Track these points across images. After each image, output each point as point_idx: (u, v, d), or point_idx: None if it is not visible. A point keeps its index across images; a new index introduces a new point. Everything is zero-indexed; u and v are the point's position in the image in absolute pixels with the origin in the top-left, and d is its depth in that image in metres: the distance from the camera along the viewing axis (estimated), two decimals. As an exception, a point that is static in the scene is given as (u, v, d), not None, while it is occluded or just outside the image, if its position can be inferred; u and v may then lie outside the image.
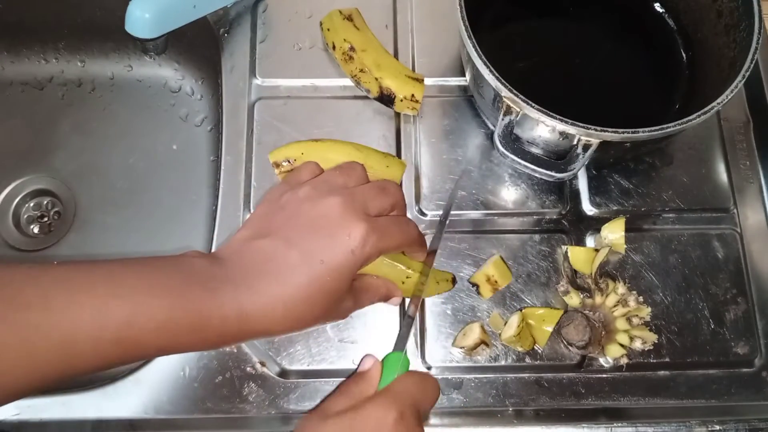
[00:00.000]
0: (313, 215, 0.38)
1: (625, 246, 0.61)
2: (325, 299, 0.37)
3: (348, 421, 0.39)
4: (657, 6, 0.69)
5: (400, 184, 0.63)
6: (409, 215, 0.62)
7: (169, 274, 0.34)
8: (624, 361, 0.57)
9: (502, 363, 0.58)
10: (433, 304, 0.59)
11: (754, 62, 0.54)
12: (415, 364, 0.58)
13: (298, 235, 0.37)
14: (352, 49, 0.64)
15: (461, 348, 0.57)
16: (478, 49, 0.54)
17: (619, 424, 0.56)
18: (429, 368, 0.58)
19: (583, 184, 0.64)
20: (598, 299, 0.58)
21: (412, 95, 0.62)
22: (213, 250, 0.60)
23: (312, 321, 0.39)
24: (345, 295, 0.40)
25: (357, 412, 0.39)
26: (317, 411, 0.42)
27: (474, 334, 0.57)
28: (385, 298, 0.49)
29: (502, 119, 0.55)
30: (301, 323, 0.38)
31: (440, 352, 0.58)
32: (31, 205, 0.75)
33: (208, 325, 0.34)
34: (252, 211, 0.62)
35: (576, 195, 0.64)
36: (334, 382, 0.57)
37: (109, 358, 0.33)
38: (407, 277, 0.53)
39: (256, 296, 0.35)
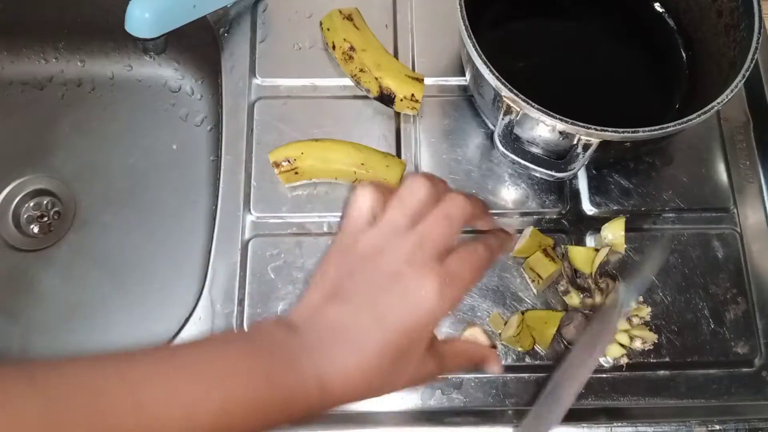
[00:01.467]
0: (383, 272, 0.35)
1: (625, 246, 0.61)
2: (402, 363, 0.35)
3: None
4: (657, 6, 0.69)
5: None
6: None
7: (254, 353, 0.33)
8: (624, 360, 0.57)
9: (502, 363, 0.58)
10: (433, 303, 0.59)
11: (754, 62, 0.54)
12: (415, 364, 0.58)
13: (369, 297, 0.35)
14: (352, 48, 0.64)
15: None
16: (478, 49, 0.54)
17: (619, 424, 0.56)
18: (429, 368, 0.58)
19: (583, 184, 0.64)
20: (599, 299, 0.58)
21: (412, 95, 0.62)
22: (211, 261, 0.60)
23: (392, 386, 0.36)
24: (425, 359, 0.36)
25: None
26: None
27: (478, 339, 0.57)
28: (480, 363, 0.43)
29: (502, 119, 0.55)
30: (382, 389, 0.36)
31: (440, 352, 0.58)
32: (31, 205, 0.75)
33: (294, 401, 0.33)
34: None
35: (576, 195, 0.64)
36: (334, 382, 0.57)
37: None
38: None
39: (333, 367, 0.34)
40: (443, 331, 0.58)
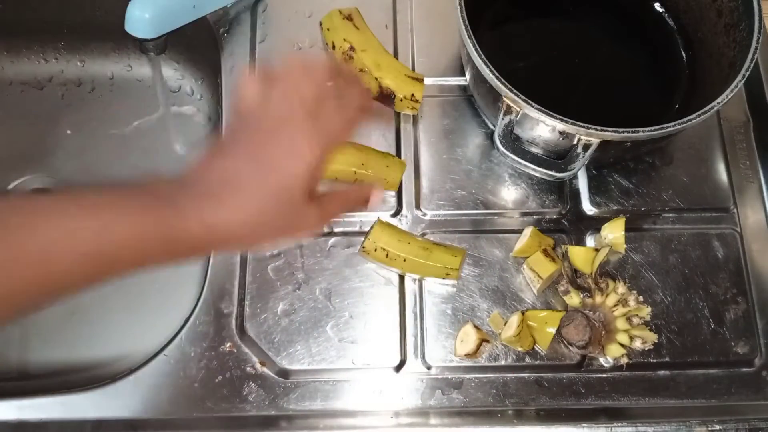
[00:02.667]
0: (263, 131, 0.40)
1: (625, 246, 0.61)
2: (280, 206, 0.39)
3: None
4: (657, 6, 0.69)
5: (400, 184, 0.63)
6: (408, 215, 0.62)
7: (135, 194, 0.37)
8: (624, 360, 0.57)
9: (502, 363, 0.58)
10: (432, 304, 0.59)
11: (754, 62, 0.54)
12: (415, 365, 0.58)
13: (251, 151, 0.39)
14: (351, 48, 0.64)
15: (464, 355, 0.57)
16: (478, 49, 0.54)
17: (619, 424, 0.56)
18: (429, 368, 0.58)
19: (583, 184, 0.64)
20: (598, 299, 0.58)
21: (412, 95, 0.62)
22: (211, 261, 0.60)
23: (274, 230, 0.40)
24: (305, 205, 0.40)
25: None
26: None
27: (471, 336, 0.57)
28: (361, 203, 0.46)
29: (502, 119, 0.55)
30: (264, 231, 0.40)
31: (440, 352, 0.58)
32: (31, 205, 0.75)
33: (175, 238, 0.37)
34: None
35: (576, 194, 0.64)
36: (333, 382, 0.57)
37: (87, 273, 0.37)
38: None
39: (217, 210, 0.37)
40: (443, 331, 0.58)
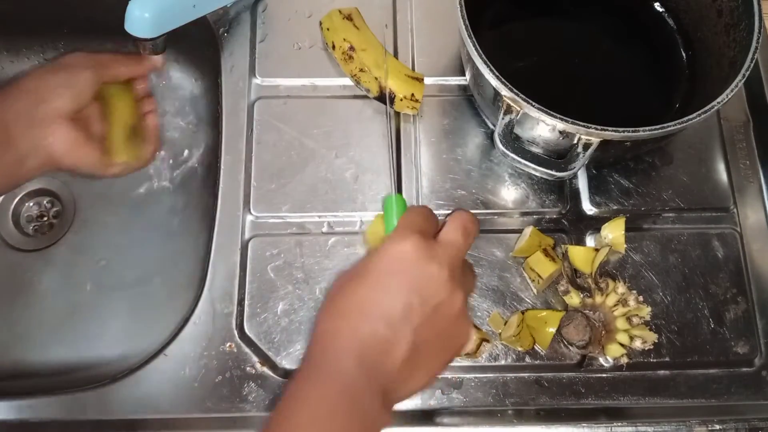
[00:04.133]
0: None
1: (625, 245, 0.61)
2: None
3: (364, 262, 0.40)
4: (657, 5, 0.69)
5: (400, 185, 0.63)
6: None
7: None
8: (624, 360, 0.57)
9: (502, 362, 0.58)
10: (433, 303, 0.59)
11: (754, 62, 0.54)
12: (415, 364, 0.58)
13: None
14: (351, 48, 0.64)
15: (464, 355, 0.57)
16: (479, 49, 0.54)
17: (619, 424, 0.56)
18: (429, 368, 0.58)
19: (583, 184, 0.64)
20: (598, 299, 0.58)
21: (412, 95, 0.62)
22: (211, 261, 0.61)
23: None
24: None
25: (371, 255, 0.40)
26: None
27: (471, 336, 0.57)
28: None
29: (503, 118, 0.55)
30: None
31: (440, 352, 0.58)
32: (31, 204, 0.75)
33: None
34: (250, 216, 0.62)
35: (576, 194, 0.64)
36: (334, 382, 0.57)
37: None
38: None
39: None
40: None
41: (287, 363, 0.57)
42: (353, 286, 0.40)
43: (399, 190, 0.63)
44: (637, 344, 0.57)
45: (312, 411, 0.37)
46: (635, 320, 0.58)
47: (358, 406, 0.37)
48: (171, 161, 0.76)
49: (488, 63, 0.54)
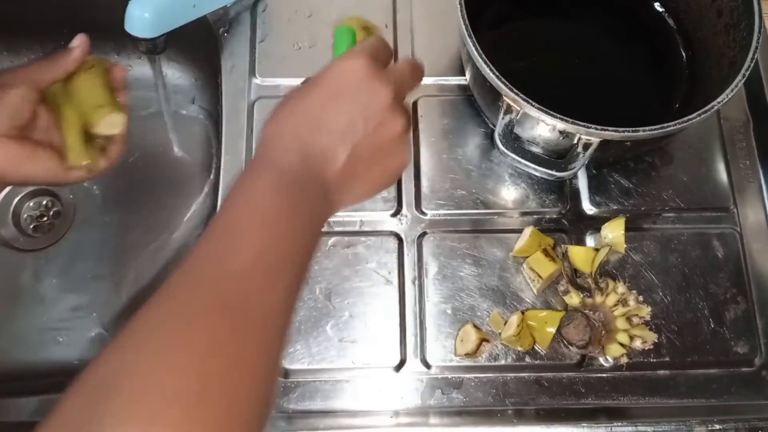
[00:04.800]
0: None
1: (625, 245, 0.61)
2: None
3: (314, 76, 0.42)
4: (657, 5, 0.69)
5: (400, 183, 0.63)
6: (408, 215, 0.62)
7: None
8: (624, 360, 0.57)
9: (502, 362, 0.58)
10: (432, 303, 0.59)
11: (754, 62, 0.54)
12: (415, 364, 0.58)
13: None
14: None
15: (464, 355, 0.57)
16: (479, 48, 0.54)
17: (619, 424, 0.56)
18: (429, 368, 0.58)
19: (583, 184, 0.64)
20: (598, 299, 0.58)
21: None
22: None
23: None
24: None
25: (318, 75, 0.42)
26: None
27: (471, 336, 0.57)
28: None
29: (503, 118, 0.55)
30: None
31: (440, 352, 0.58)
32: (31, 204, 0.75)
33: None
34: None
35: (576, 194, 0.64)
36: (333, 382, 0.57)
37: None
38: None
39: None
40: (443, 331, 0.58)
41: (287, 363, 0.57)
42: (301, 96, 0.41)
43: (399, 189, 0.63)
44: (637, 344, 0.57)
45: (261, 195, 0.38)
46: (635, 320, 0.58)
47: (304, 193, 0.39)
48: (171, 161, 0.76)
49: (488, 63, 0.54)
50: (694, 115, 0.52)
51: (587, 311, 0.57)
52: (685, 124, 0.52)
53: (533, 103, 0.52)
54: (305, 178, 0.39)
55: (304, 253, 0.39)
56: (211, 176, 0.75)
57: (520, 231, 0.61)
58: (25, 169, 0.54)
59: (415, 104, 0.66)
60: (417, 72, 0.44)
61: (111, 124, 0.59)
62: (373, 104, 0.40)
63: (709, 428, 0.56)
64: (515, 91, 0.53)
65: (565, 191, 0.64)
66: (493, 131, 0.63)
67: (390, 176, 0.44)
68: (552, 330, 0.57)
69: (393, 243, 0.61)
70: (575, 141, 0.54)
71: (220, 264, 0.35)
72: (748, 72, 0.54)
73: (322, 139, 0.40)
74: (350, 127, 0.40)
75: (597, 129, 0.52)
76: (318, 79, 0.42)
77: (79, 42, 0.58)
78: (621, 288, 0.58)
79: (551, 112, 0.52)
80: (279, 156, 0.40)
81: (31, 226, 0.75)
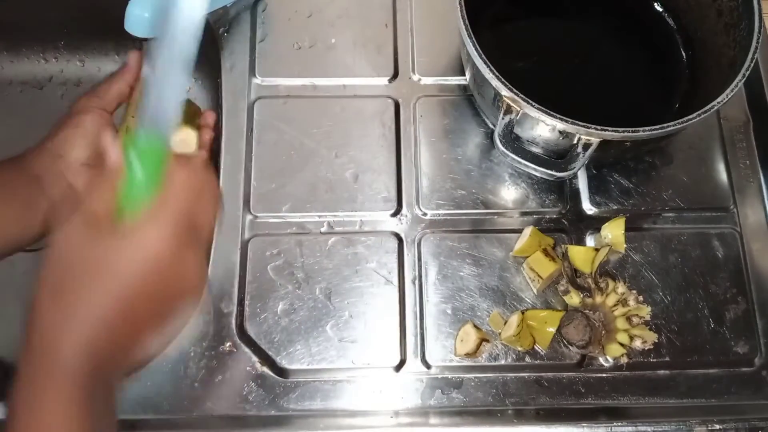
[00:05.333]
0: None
1: (625, 245, 0.61)
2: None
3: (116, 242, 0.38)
4: (657, 5, 0.69)
5: (399, 183, 0.63)
6: (408, 215, 0.62)
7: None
8: (624, 360, 0.57)
9: (502, 362, 0.58)
10: (432, 303, 0.59)
11: (754, 62, 0.54)
12: (415, 364, 0.58)
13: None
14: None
15: (464, 355, 0.57)
16: (479, 49, 0.54)
17: (619, 424, 0.56)
18: (429, 368, 0.58)
19: (583, 184, 0.64)
20: (598, 299, 0.58)
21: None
22: (211, 261, 0.60)
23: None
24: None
25: (127, 233, 0.38)
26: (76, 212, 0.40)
27: (471, 336, 0.57)
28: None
29: (503, 118, 0.55)
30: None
31: (440, 352, 0.58)
32: (31, 204, 0.75)
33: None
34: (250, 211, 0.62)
35: (576, 194, 0.64)
36: (333, 382, 0.57)
37: None
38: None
39: None
40: (443, 331, 0.58)
41: (287, 363, 0.57)
42: (65, 281, 0.39)
43: (399, 189, 0.63)
44: (637, 344, 0.57)
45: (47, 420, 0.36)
46: (635, 320, 0.58)
47: (91, 405, 0.37)
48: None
49: (488, 63, 0.54)
50: (694, 115, 0.52)
51: (587, 311, 0.57)
52: (685, 124, 0.52)
53: (533, 103, 0.52)
54: (92, 384, 0.37)
55: None
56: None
57: (520, 231, 0.61)
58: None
59: (415, 104, 0.66)
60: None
61: (183, 141, 0.56)
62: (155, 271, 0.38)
63: (709, 428, 0.56)
64: (515, 91, 0.53)
65: (565, 191, 0.64)
66: (493, 131, 0.63)
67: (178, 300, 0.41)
68: (552, 330, 0.57)
69: (393, 243, 0.61)
70: (575, 141, 0.54)
71: None
72: (748, 72, 0.54)
73: (102, 330, 0.37)
74: (137, 293, 0.38)
75: (597, 129, 0.52)
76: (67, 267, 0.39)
77: (135, 58, 0.60)
78: (621, 288, 0.58)
79: (551, 112, 0.52)
80: (61, 363, 0.37)
81: (31, 226, 0.74)
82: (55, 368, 0.37)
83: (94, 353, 0.37)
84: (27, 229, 0.53)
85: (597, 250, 0.59)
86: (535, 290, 0.60)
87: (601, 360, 0.58)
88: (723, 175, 0.65)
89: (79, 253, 0.38)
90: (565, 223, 0.63)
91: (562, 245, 0.61)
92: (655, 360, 0.58)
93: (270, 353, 0.58)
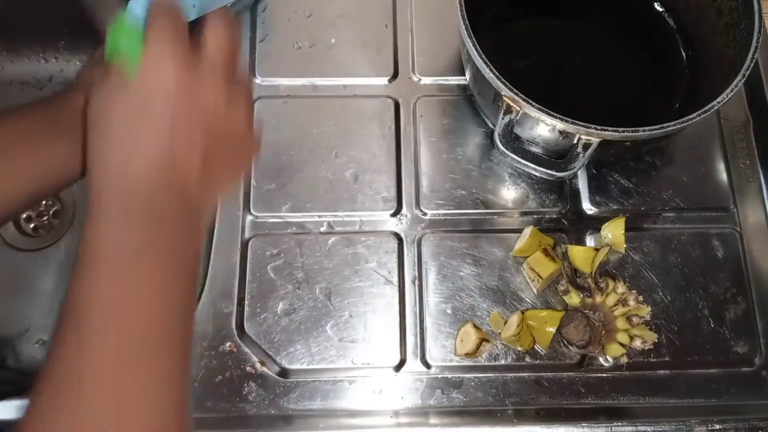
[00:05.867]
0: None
1: (625, 245, 0.61)
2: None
3: (126, 95, 0.37)
4: (657, 5, 0.69)
5: (399, 183, 0.63)
6: (408, 215, 0.63)
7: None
8: (624, 360, 0.57)
9: (502, 362, 0.58)
10: (432, 303, 0.59)
11: (754, 62, 0.54)
12: (415, 364, 0.58)
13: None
14: None
15: (465, 355, 0.57)
16: (479, 48, 0.54)
17: (619, 424, 0.56)
18: (429, 368, 0.58)
19: (583, 183, 0.64)
20: (598, 298, 0.58)
21: None
22: (211, 261, 0.61)
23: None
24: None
25: (131, 88, 0.37)
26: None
27: (471, 336, 0.57)
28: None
29: (503, 118, 0.55)
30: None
31: (440, 352, 0.58)
32: (31, 204, 0.75)
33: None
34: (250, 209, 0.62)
35: (576, 194, 0.64)
36: (333, 382, 0.57)
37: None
38: None
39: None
40: (443, 331, 0.58)
41: (287, 363, 0.57)
42: (128, 119, 0.37)
43: (399, 189, 0.63)
44: (637, 344, 0.57)
45: (120, 244, 0.35)
46: (635, 320, 0.58)
47: (167, 222, 0.36)
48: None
49: (488, 63, 0.54)
50: (694, 115, 0.52)
51: (587, 311, 0.57)
52: (685, 124, 0.52)
53: (533, 104, 0.52)
54: (163, 198, 0.36)
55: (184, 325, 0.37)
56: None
57: (520, 231, 0.61)
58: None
59: (415, 104, 0.66)
60: (234, 38, 0.39)
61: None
62: (209, 117, 0.37)
63: (709, 428, 0.56)
64: (515, 91, 0.53)
65: (565, 191, 0.64)
66: (493, 131, 0.63)
67: (244, 163, 0.43)
68: (552, 330, 0.57)
69: (393, 243, 0.61)
70: (575, 141, 0.54)
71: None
72: (748, 72, 0.54)
73: (167, 162, 0.36)
74: (192, 144, 0.37)
75: (597, 129, 0.52)
76: (132, 97, 0.37)
77: None
78: (621, 288, 0.58)
79: (551, 112, 0.52)
80: (132, 181, 0.36)
81: (31, 226, 0.75)
82: (126, 182, 0.36)
83: (169, 165, 0.36)
84: (75, 162, 0.48)
85: (597, 250, 0.59)
86: (535, 290, 0.60)
87: (601, 360, 0.58)
88: (723, 175, 0.65)
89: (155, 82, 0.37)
90: (565, 223, 0.63)
91: (562, 245, 0.61)
92: (655, 360, 0.58)
93: (270, 353, 0.58)
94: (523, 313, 0.58)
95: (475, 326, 0.58)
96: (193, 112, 0.37)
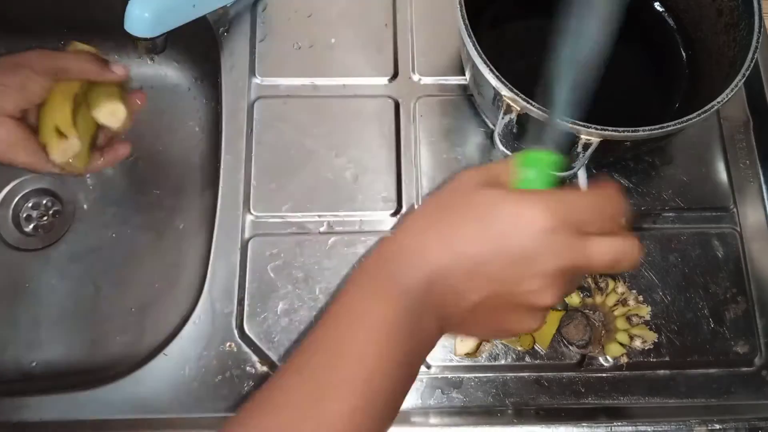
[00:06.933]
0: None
1: (625, 245, 0.61)
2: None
3: (471, 208, 0.36)
4: (657, 5, 0.69)
5: (400, 183, 0.63)
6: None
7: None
8: (624, 360, 0.57)
9: (502, 362, 0.58)
10: (433, 303, 0.59)
11: (754, 61, 0.54)
12: (415, 364, 0.58)
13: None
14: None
15: (465, 355, 0.57)
16: (478, 48, 0.54)
17: (619, 423, 0.56)
18: (429, 367, 0.58)
19: (583, 184, 0.64)
20: (598, 298, 0.58)
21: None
22: (211, 261, 0.61)
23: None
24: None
25: (481, 203, 0.35)
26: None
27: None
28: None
29: (503, 118, 0.55)
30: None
31: (440, 352, 0.58)
32: (31, 204, 0.75)
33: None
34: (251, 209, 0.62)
35: (576, 194, 0.64)
36: (334, 382, 0.57)
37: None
38: None
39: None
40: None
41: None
42: (455, 218, 0.36)
43: (399, 189, 0.63)
44: (637, 344, 0.57)
45: (369, 326, 0.35)
46: (635, 320, 0.58)
47: (417, 327, 0.36)
48: (171, 161, 0.76)
49: (488, 63, 0.54)
50: (694, 115, 0.52)
51: (587, 311, 0.57)
52: (685, 124, 0.52)
53: (533, 104, 0.52)
54: (426, 305, 0.35)
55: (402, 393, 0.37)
56: (211, 176, 0.74)
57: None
58: (14, 152, 0.54)
59: (415, 104, 0.66)
60: (612, 206, 0.38)
61: (112, 113, 0.59)
62: (535, 266, 0.34)
63: (709, 428, 0.56)
64: (515, 91, 0.53)
65: (565, 191, 0.64)
66: (493, 131, 0.63)
67: (511, 333, 0.39)
68: (552, 330, 0.57)
69: (393, 243, 0.61)
70: (575, 141, 0.54)
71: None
72: (748, 72, 0.53)
73: (461, 274, 0.35)
74: (499, 276, 0.34)
75: (597, 129, 0.52)
76: (481, 209, 0.35)
77: (122, 72, 0.60)
78: (621, 288, 0.58)
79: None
80: (403, 279, 0.35)
81: (31, 226, 0.75)
82: (391, 280, 0.36)
83: (437, 279, 0.35)
84: None
85: (597, 250, 0.59)
86: None
87: (601, 360, 0.58)
88: (723, 175, 0.65)
89: (467, 197, 0.36)
90: (565, 223, 0.63)
91: (562, 245, 0.61)
92: (655, 360, 0.58)
93: (270, 353, 0.58)
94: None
95: None
96: (529, 259, 0.34)
